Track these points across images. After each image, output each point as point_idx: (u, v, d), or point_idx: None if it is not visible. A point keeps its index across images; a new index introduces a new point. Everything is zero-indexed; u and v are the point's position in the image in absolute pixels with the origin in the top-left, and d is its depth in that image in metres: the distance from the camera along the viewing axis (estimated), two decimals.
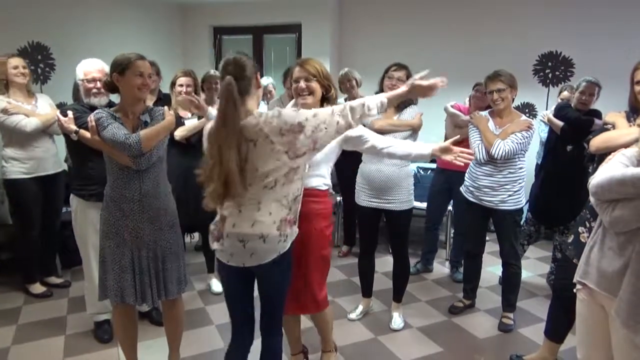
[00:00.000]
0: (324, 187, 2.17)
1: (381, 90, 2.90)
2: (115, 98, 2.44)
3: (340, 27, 5.73)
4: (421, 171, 4.55)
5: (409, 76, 2.79)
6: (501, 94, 2.84)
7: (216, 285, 3.51)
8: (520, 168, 2.88)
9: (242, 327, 1.95)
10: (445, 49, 5.21)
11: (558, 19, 4.77)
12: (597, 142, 2.15)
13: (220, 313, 3.18)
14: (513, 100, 2.93)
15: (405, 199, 2.88)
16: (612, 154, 1.75)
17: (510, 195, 2.86)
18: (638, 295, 1.52)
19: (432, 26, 5.30)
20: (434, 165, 4.39)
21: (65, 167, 3.61)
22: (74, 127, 2.43)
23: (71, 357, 2.69)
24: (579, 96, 3.36)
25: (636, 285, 1.52)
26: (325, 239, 2.18)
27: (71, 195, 2.73)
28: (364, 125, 2.85)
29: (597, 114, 3.32)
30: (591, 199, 1.67)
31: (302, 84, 2.05)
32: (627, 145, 2.01)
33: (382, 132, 2.80)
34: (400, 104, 2.86)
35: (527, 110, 5.01)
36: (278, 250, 1.75)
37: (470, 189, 3.01)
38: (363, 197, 2.95)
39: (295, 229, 1.82)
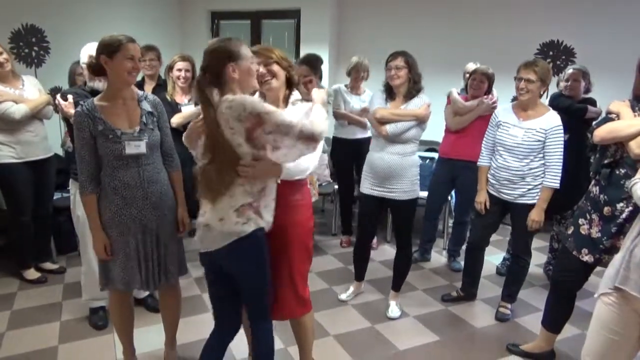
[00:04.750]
0: (302, 177, 2.03)
1: (386, 81, 2.87)
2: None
3: (340, 13, 5.66)
4: (420, 160, 4.51)
5: (407, 62, 2.76)
6: (529, 85, 2.65)
7: None
8: (541, 162, 2.73)
9: (220, 316, 2.02)
10: (446, 36, 5.15)
11: (560, 7, 4.71)
12: (601, 132, 2.10)
13: None
14: (541, 96, 2.77)
15: (408, 188, 2.84)
16: None
17: (529, 190, 2.76)
18: None
19: (433, 14, 5.23)
20: (433, 155, 4.37)
21: (55, 151, 3.57)
22: (73, 111, 2.39)
23: (66, 343, 2.68)
24: (565, 84, 3.38)
25: None
26: (307, 231, 2.08)
27: (70, 180, 2.70)
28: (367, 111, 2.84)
29: (592, 102, 3.32)
30: None
31: (262, 68, 1.95)
32: (633, 137, 1.99)
33: (382, 121, 2.79)
34: (408, 93, 2.81)
35: None
36: (238, 233, 1.74)
37: (492, 181, 2.91)
38: (366, 185, 2.93)
39: (267, 219, 1.81)
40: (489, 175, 2.93)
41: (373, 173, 2.87)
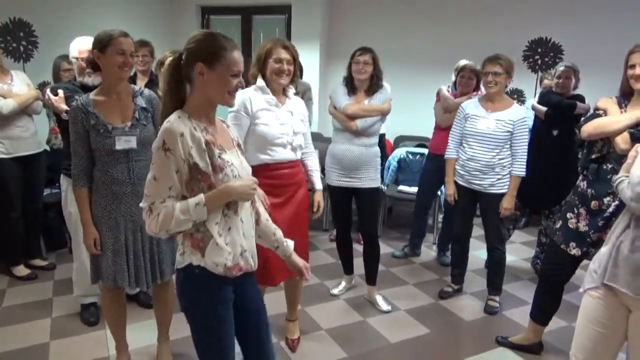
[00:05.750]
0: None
1: (350, 75, 2.92)
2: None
3: (330, 9, 5.66)
4: (410, 156, 4.56)
5: (374, 58, 2.85)
6: (496, 77, 2.82)
7: None
8: (508, 153, 2.89)
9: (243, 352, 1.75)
10: (436, 34, 5.19)
11: (548, 5, 4.76)
12: (589, 128, 2.15)
13: None
14: (506, 87, 2.93)
15: (374, 176, 2.97)
16: (636, 148, 1.71)
17: (499, 179, 2.89)
18: None
19: (423, 11, 5.25)
20: (423, 150, 4.41)
21: (45, 147, 3.54)
22: (64, 106, 2.38)
23: (58, 340, 2.67)
24: (556, 81, 3.44)
25: None
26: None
27: (61, 176, 2.69)
28: (335, 108, 2.91)
29: (580, 98, 3.38)
30: (632, 203, 1.59)
31: (287, 66, 2.21)
32: (619, 132, 2.03)
33: (354, 117, 2.87)
34: (370, 88, 2.90)
35: (516, 96, 5.03)
36: (177, 262, 1.51)
37: (461, 172, 3.02)
38: (334, 177, 3.00)
39: (214, 260, 1.45)
40: (458, 167, 3.04)
41: (340, 165, 2.95)
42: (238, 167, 1.49)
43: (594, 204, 2.17)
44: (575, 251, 2.24)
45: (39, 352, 2.56)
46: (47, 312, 2.95)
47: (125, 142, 2.04)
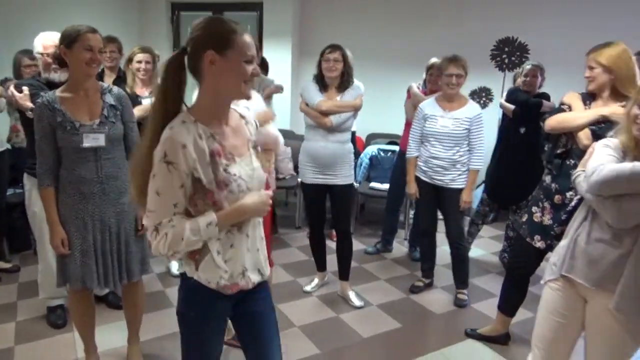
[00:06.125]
0: None
1: (320, 72, 2.95)
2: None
3: (303, 6, 5.65)
4: (381, 153, 4.61)
5: (343, 55, 2.88)
6: (459, 79, 2.94)
7: (175, 268, 3.46)
8: (467, 149, 3.01)
9: None
10: (406, 32, 5.25)
11: (515, 5, 4.88)
12: (552, 122, 2.23)
13: None
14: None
15: (348, 173, 3.02)
16: (593, 145, 1.76)
17: (459, 175, 3.00)
18: None
19: (394, 10, 5.30)
20: (394, 147, 4.46)
21: (8, 146, 3.43)
22: (29, 103, 2.31)
23: (24, 344, 2.59)
24: (523, 79, 3.54)
25: (637, 278, 1.55)
26: None
27: (25, 175, 2.60)
28: (307, 105, 2.92)
29: (546, 97, 3.48)
30: (587, 196, 1.66)
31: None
32: (581, 128, 2.10)
33: (328, 113, 2.89)
34: (341, 85, 2.93)
35: (484, 94, 5.14)
36: (179, 267, 1.50)
37: (424, 168, 3.10)
38: (309, 175, 3.02)
39: (206, 276, 1.37)
40: (421, 164, 3.13)
41: (316, 162, 2.97)
42: (247, 179, 1.36)
43: (557, 198, 2.24)
44: (539, 244, 2.31)
45: (3, 358, 2.48)
46: (11, 315, 2.86)
47: (93, 140, 2.00)
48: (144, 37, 5.67)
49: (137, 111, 3.00)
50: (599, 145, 1.70)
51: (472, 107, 3.02)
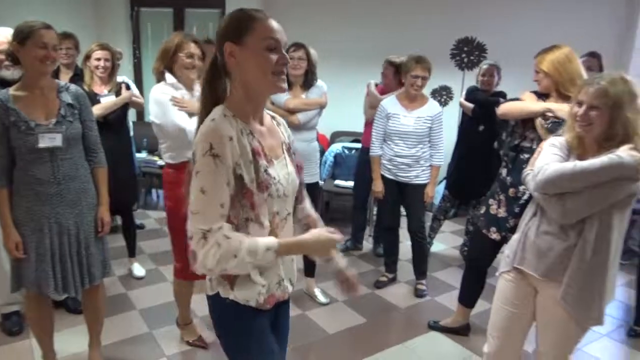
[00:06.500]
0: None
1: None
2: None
3: (265, 4, 5.62)
4: (346, 151, 4.66)
5: (307, 53, 2.90)
6: (424, 81, 3.03)
7: (138, 270, 3.40)
8: (428, 146, 3.12)
9: None
10: (368, 31, 5.30)
11: (474, 6, 5.02)
12: (504, 107, 2.33)
13: (143, 297, 3.10)
14: None
15: (314, 171, 3.05)
16: (541, 145, 1.85)
17: (423, 171, 3.10)
18: (585, 280, 1.64)
19: (356, 9, 5.35)
20: (358, 145, 4.51)
21: None
22: None
23: None
24: (481, 79, 3.67)
25: (581, 270, 1.64)
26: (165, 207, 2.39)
27: None
28: (272, 104, 2.92)
29: (503, 95, 3.61)
30: (535, 194, 1.74)
31: (197, 62, 2.27)
32: (535, 114, 2.17)
33: (295, 111, 2.91)
34: (305, 83, 2.96)
35: (444, 93, 5.27)
36: (210, 288, 1.31)
37: (388, 166, 3.16)
38: None
39: (244, 295, 1.26)
40: (385, 162, 3.19)
41: None
42: (284, 184, 1.26)
43: (511, 191, 2.33)
44: (495, 236, 2.40)
45: None
46: None
47: (49, 140, 1.94)
48: (102, 34, 5.51)
49: (97, 110, 2.94)
50: (547, 144, 1.79)
51: (432, 106, 3.10)
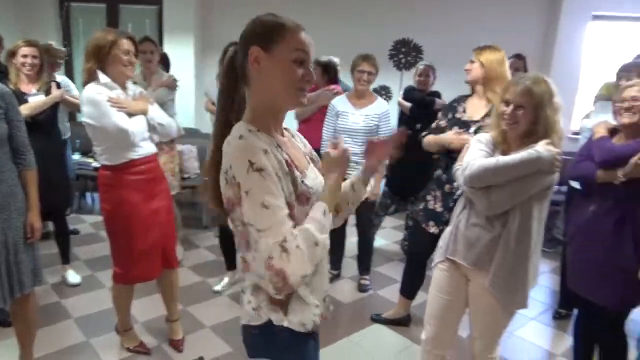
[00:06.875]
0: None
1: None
2: None
3: (204, 3, 5.53)
4: None
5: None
6: (370, 77, 3.10)
7: (73, 277, 3.24)
8: None
9: None
10: (308, 30, 5.33)
11: (411, 8, 5.20)
12: (425, 141, 2.57)
13: (78, 306, 2.96)
14: None
15: None
16: (469, 141, 1.96)
17: None
18: (510, 267, 1.75)
19: (296, 7, 5.37)
20: None
21: None
22: None
23: None
24: (417, 79, 3.82)
25: (506, 259, 1.75)
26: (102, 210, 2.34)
27: None
28: (213, 104, 2.89)
29: (437, 95, 3.79)
30: (464, 188, 1.85)
31: (133, 59, 2.22)
32: (447, 144, 2.37)
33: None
34: None
35: (383, 92, 5.42)
36: (248, 316, 1.22)
37: None
38: None
39: (298, 319, 1.18)
40: None
41: None
42: (318, 194, 1.18)
43: (447, 187, 2.45)
44: (433, 229, 2.51)
45: None
46: None
47: None
48: (29, 30, 5.18)
49: (25, 110, 2.78)
50: (474, 141, 1.91)
51: (380, 104, 3.17)
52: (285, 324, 1.16)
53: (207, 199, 1.22)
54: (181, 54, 5.10)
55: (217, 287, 3.26)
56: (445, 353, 2.05)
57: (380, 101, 3.20)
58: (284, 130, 1.26)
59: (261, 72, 1.10)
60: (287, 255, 1.00)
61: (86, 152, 4.60)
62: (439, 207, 2.49)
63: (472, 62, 2.35)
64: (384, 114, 3.13)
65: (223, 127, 1.15)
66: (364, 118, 3.11)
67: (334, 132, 3.19)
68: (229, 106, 1.18)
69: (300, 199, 1.13)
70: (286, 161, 1.11)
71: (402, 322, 2.90)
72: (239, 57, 1.15)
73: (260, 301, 1.17)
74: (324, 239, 1.07)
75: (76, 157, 4.55)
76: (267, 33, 1.11)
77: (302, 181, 1.14)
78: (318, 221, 1.08)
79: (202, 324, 2.85)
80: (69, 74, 5.55)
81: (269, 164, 1.04)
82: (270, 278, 1.01)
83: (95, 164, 4.33)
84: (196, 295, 3.17)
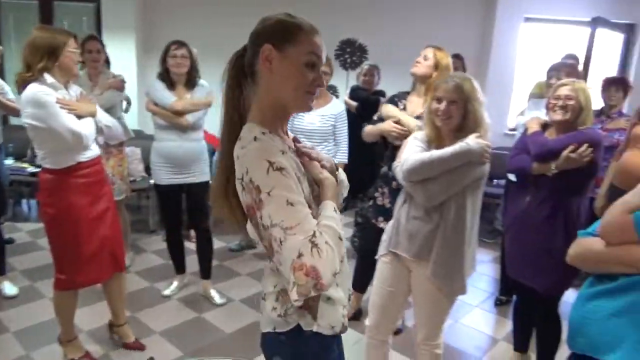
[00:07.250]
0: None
1: (165, 70, 2.87)
2: None
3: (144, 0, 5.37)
4: None
5: (189, 51, 2.88)
6: (326, 77, 3.08)
7: (9, 288, 3.06)
8: (334, 144, 3.21)
9: None
10: (251, 28, 5.32)
11: (355, 8, 5.29)
12: (364, 132, 2.66)
13: (17, 318, 2.80)
14: None
15: (205, 170, 3.04)
16: (405, 140, 2.05)
17: None
18: (448, 256, 1.84)
19: (238, 5, 5.32)
20: None
21: None
22: None
23: None
24: (363, 78, 3.92)
25: (444, 248, 1.84)
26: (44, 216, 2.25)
27: None
28: (156, 105, 2.84)
29: (382, 94, 3.90)
30: (403, 182, 1.93)
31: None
32: (387, 132, 2.46)
33: (184, 112, 2.86)
34: (188, 82, 2.91)
35: (331, 92, 5.46)
36: (272, 323, 1.18)
37: None
38: (164, 176, 2.96)
39: (328, 322, 1.15)
40: None
41: (172, 162, 2.93)
42: None
43: (394, 184, 2.52)
44: (382, 224, 2.57)
45: None
46: None
47: None
48: None
49: None
50: (410, 139, 2.01)
51: (336, 104, 3.15)
52: (315, 328, 1.14)
53: (213, 207, 1.19)
54: (121, 54, 4.92)
55: (167, 292, 3.19)
56: (387, 338, 2.15)
57: (335, 101, 3.19)
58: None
59: (271, 71, 1.08)
60: (319, 251, 0.95)
61: (20, 156, 4.35)
62: (387, 203, 2.56)
63: (425, 57, 2.41)
64: (340, 114, 3.12)
65: (231, 132, 1.13)
66: (320, 118, 3.08)
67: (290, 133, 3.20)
68: (233, 105, 1.16)
69: (317, 200, 1.11)
70: (301, 161, 1.12)
71: (354, 316, 2.95)
72: (248, 54, 1.13)
73: (286, 306, 1.13)
74: (341, 234, 1.04)
75: (9, 162, 4.29)
76: (282, 32, 1.09)
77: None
78: (334, 217, 1.05)
79: (151, 330, 2.78)
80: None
81: (288, 164, 1.03)
82: (298, 279, 0.94)
83: (31, 169, 4.11)
84: (144, 301, 3.08)
